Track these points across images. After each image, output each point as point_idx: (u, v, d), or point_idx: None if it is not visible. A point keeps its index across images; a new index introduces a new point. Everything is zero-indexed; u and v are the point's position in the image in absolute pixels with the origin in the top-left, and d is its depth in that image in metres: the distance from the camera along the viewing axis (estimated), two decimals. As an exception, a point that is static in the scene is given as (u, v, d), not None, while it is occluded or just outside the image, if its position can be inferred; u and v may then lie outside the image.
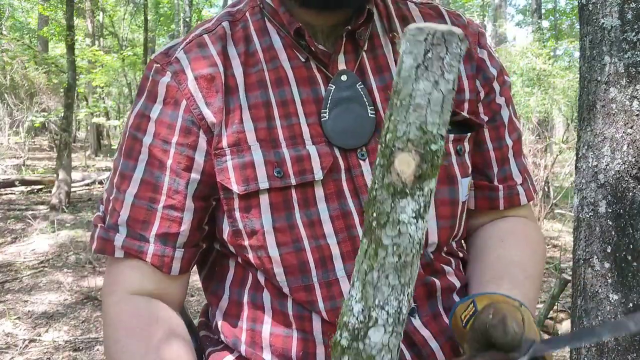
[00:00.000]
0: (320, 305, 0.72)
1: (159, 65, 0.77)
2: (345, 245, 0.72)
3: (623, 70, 1.43)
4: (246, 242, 0.73)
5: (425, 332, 0.73)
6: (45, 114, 9.84)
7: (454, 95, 0.42)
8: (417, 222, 0.41)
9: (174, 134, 0.74)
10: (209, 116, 0.73)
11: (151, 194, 0.74)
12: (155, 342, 0.71)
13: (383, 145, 0.42)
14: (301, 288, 0.72)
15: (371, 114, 0.75)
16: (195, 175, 0.74)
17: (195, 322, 0.92)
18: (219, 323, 0.80)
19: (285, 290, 0.73)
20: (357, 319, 0.42)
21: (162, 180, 0.74)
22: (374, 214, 0.42)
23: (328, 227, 0.72)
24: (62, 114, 7.03)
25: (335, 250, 0.72)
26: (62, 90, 9.09)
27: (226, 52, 0.77)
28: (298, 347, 0.73)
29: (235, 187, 0.71)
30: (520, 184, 0.88)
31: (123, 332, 0.73)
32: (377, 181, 0.42)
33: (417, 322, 0.73)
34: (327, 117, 0.74)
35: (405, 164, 0.40)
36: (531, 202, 0.91)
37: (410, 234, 0.41)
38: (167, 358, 0.70)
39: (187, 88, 0.74)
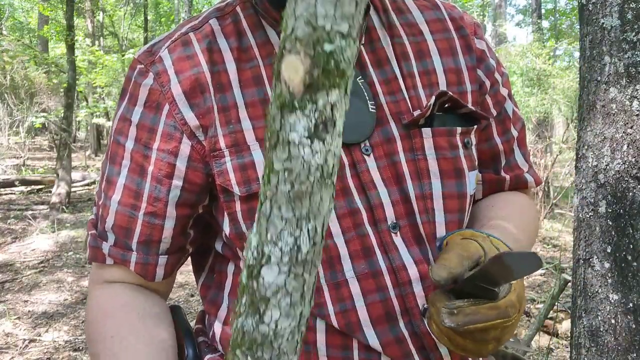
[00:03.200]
0: (329, 308, 0.69)
1: (142, 66, 0.75)
2: (354, 244, 0.70)
3: (623, 70, 1.43)
4: None
5: None
6: (45, 114, 9.84)
7: None
8: (311, 143, 0.33)
9: (155, 139, 0.72)
10: (193, 120, 0.71)
11: (133, 200, 0.73)
12: (129, 321, 0.73)
13: (279, 47, 0.33)
14: None
15: (372, 108, 0.73)
16: (177, 182, 0.72)
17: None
18: (218, 333, 0.79)
19: None
20: (252, 254, 0.36)
21: (143, 186, 0.73)
22: (268, 133, 0.34)
23: (335, 226, 0.70)
24: (62, 114, 7.03)
25: (342, 250, 0.69)
26: (62, 90, 9.09)
27: (213, 48, 0.74)
28: (300, 358, 0.72)
29: (236, 189, 0.69)
30: (527, 172, 0.90)
31: (100, 314, 0.75)
32: (272, 93, 0.35)
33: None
34: None
35: (293, 70, 0.32)
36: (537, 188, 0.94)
37: (303, 158, 0.33)
38: (140, 334, 0.72)
39: (170, 91, 0.72)
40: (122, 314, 0.74)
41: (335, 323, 0.69)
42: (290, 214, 0.35)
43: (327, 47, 0.31)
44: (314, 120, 0.33)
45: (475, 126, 0.79)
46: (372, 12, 0.79)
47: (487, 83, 0.83)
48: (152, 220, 0.73)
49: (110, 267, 0.78)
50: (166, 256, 0.76)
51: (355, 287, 0.70)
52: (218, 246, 0.79)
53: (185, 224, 0.76)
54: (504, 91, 0.86)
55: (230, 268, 0.79)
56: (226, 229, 0.73)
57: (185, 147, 0.72)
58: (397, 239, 0.71)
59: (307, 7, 0.31)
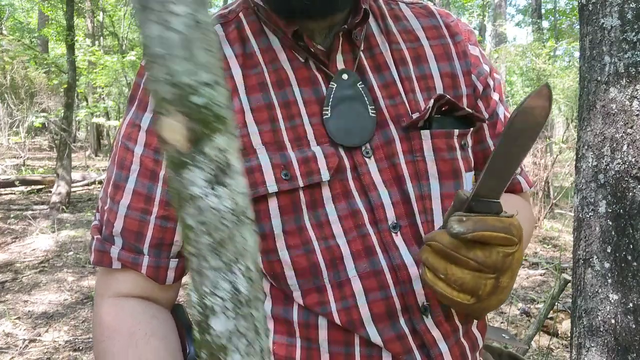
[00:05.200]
0: (332, 306, 0.71)
1: None
2: (355, 245, 0.72)
3: (623, 70, 1.43)
4: None
5: (436, 333, 0.73)
6: (45, 114, 9.84)
7: (206, 31, 0.34)
8: (215, 190, 0.35)
9: None
10: None
11: (144, 205, 0.74)
12: (134, 341, 0.73)
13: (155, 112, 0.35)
14: (313, 290, 0.72)
15: (372, 113, 0.75)
16: None
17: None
18: None
19: (296, 293, 0.72)
20: (196, 311, 0.37)
21: (154, 191, 0.74)
22: (172, 195, 0.36)
23: (337, 227, 0.72)
24: (62, 114, 7.03)
25: (345, 250, 0.71)
26: (62, 90, 9.09)
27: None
28: (302, 355, 0.72)
29: None
30: (519, 174, 0.92)
31: (106, 334, 0.75)
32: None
33: (429, 321, 0.73)
34: (329, 115, 0.74)
35: (172, 131, 0.34)
36: (530, 189, 0.95)
37: (211, 207, 0.35)
38: (143, 356, 0.71)
39: None
40: (127, 337, 0.73)
41: (337, 320, 0.71)
42: (218, 262, 0.36)
43: (197, 99, 0.33)
44: (209, 169, 0.34)
45: (472, 128, 0.81)
46: (371, 19, 0.81)
47: (480, 87, 0.85)
48: (164, 223, 0.74)
49: (118, 274, 0.78)
50: (177, 259, 0.77)
51: (357, 286, 0.71)
52: None
53: None
54: (495, 95, 0.87)
55: None
56: None
57: None
58: (398, 239, 0.73)
59: (163, 69, 0.32)
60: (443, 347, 0.73)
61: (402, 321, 0.72)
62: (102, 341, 0.75)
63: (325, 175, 0.71)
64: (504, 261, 0.61)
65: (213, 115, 0.34)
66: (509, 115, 0.90)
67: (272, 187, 0.70)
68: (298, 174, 0.71)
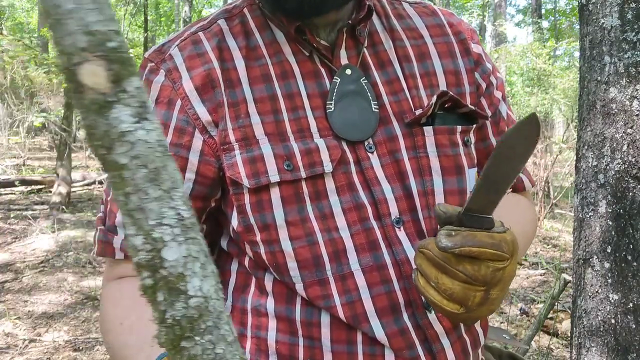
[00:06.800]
0: (336, 299, 0.71)
1: (153, 64, 0.77)
2: (359, 238, 0.72)
3: (623, 70, 1.43)
4: (258, 237, 0.73)
5: (439, 328, 0.73)
6: (45, 114, 9.84)
7: None
8: (142, 124, 0.37)
9: (167, 134, 0.74)
10: (205, 115, 0.73)
11: None
12: (138, 305, 0.73)
13: (61, 70, 0.37)
14: (315, 282, 0.72)
15: (375, 108, 0.76)
16: (190, 175, 0.74)
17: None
18: None
19: (299, 285, 0.72)
20: (145, 250, 0.36)
21: None
22: (95, 143, 0.36)
23: (341, 220, 0.72)
24: (62, 114, 7.03)
25: (348, 243, 0.72)
26: (62, 90, 9.09)
27: (223, 46, 0.77)
28: (305, 354, 0.72)
29: (245, 181, 0.71)
30: (522, 172, 0.91)
31: (110, 305, 0.77)
32: (76, 110, 0.38)
33: (432, 316, 0.73)
34: (332, 109, 0.74)
35: (94, 75, 0.35)
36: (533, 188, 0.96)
37: (144, 139, 0.36)
38: (145, 317, 0.73)
39: (181, 87, 0.74)
40: (130, 301, 0.75)
41: (341, 314, 0.71)
42: (159, 192, 0.37)
43: (112, 44, 0.36)
44: (134, 105, 0.36)
45: (475, 125, 0.82)
46: (374, 17, 0.82)
47: (483, 85, 0.86)
48: None
49: (122, 263, 0.79)
50: None
51: (360, 280, 0.71)
52: (223, 243, 0.81)
53: (198, 217, 0.77)
54: (497, 94, 0.88)
55: (234, 266, 0.80)
56: (234, 222, 0.75)
57: (197, 141, 0.74)
58: (401, 234, 0.73)
59: (77, 21, 0.35)
60: (445, 342, 0.73)
61: (405, 316, 0.72)
62: (106, 313, 0.78)
63: (327, 167, 0.72)
64: (493, 275, 0.61)
65: (124, 58, 0.36)
66: (511, 114, 0.90)
67: (274, 176, 0.71)
68: (300, 164, 0.71)
